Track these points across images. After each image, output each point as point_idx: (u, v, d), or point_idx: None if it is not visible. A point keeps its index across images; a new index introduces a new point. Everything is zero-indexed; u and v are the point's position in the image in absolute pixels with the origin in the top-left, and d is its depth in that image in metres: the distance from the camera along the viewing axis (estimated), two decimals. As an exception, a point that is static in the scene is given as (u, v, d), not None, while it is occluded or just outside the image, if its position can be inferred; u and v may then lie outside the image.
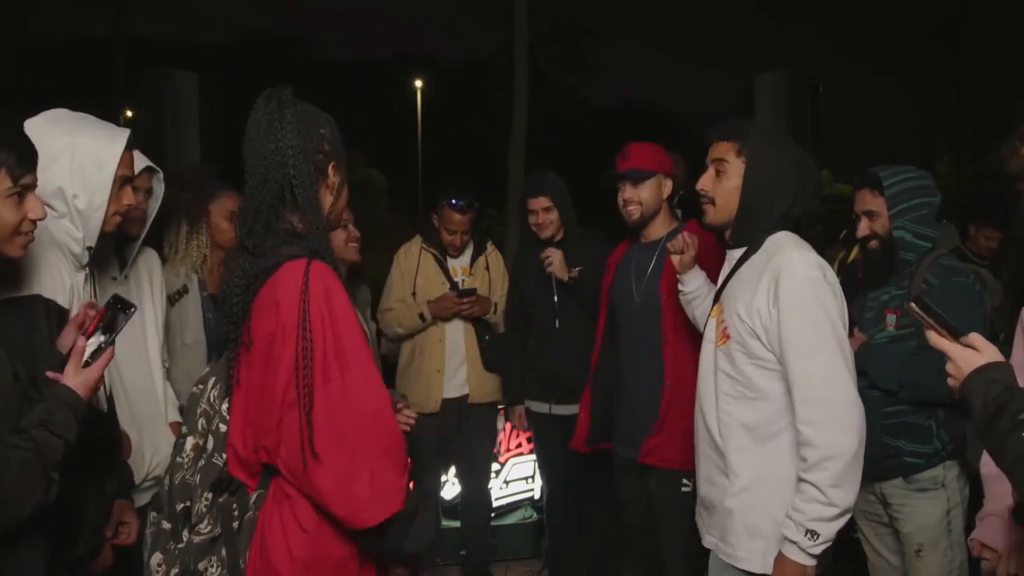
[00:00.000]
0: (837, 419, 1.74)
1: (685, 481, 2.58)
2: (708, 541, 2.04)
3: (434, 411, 3.45)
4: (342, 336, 1.44)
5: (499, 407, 3.74)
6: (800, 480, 1.78)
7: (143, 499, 2.20)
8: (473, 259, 3.61)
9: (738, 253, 2.00)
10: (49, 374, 1.49)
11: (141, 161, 2.24)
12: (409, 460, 1.51)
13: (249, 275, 1.52)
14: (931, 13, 25.45)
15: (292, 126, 1.53)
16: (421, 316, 3.42)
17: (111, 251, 2.24)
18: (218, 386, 1.62)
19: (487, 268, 3.60)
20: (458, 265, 3.58)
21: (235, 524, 1.53)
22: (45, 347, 1.59)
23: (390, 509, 1.44)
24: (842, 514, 1.75)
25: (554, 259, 3.20)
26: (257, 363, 1.49)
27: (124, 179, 1.95)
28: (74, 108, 1.98)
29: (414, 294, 3.48)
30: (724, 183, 1.97)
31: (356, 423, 1.42)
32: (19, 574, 1.45)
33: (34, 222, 1.54)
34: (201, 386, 1.65)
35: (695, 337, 2.36)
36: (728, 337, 1.92)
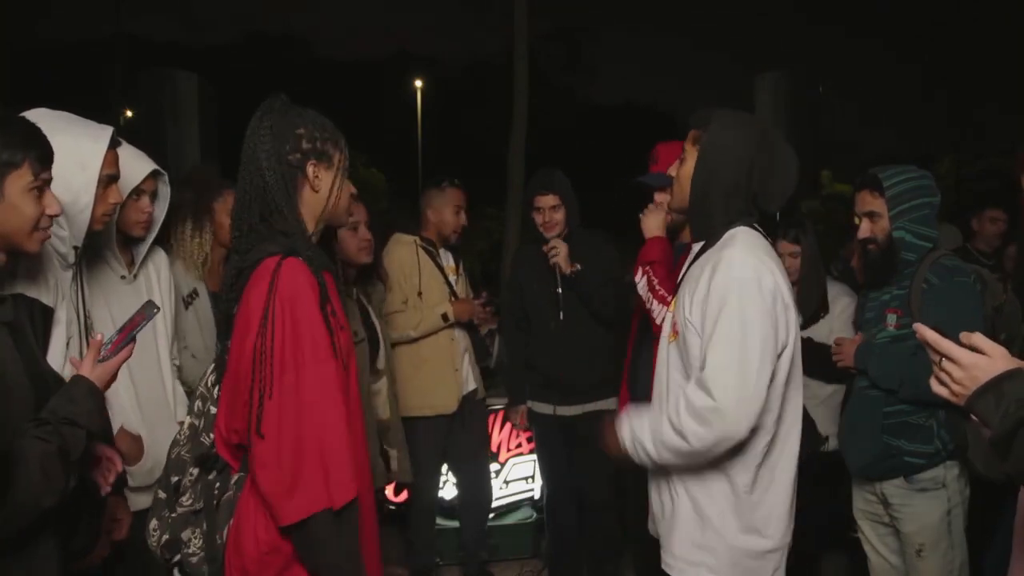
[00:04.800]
0: (722, 408, 1.66)
1: None
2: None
3: (453, 411, 3.43)
4: (301, 334, 1.50)
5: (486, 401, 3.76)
6: (673, 416, 1.72)
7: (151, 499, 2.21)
8: (456, 258, 3.62)
9: (698, 247, 1.92)
10: (73, 360, 1.58)
11: (147, 165, 2.25)
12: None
13: (235, 271, 1.61)
14: (932, 13, 25.44)
15: (267, 131, 1.61)
16: (444, 317, 3.39)
17: (114, 251, 2.24)
18: (215, 372, 1.73)
19: (463, 271, 3.64)
20: (445, 264, 3.56)
21: (215, 502, 1.62)
22: (30, 345, 1.61)
23: (307, 509, 1.47)
24: (645, 452, 1.79)
25: (560, 250, 3.16)
26: (234, 352, 1.58)
27: (109, 178, 1.94)
28: (74, 107, 1.97)
29: (420, 294, 3.43)
30: (681, 168, 1.92)
31: (299, 419, 1.48)
32: (36, 566, 1.49)
33: (51, 218, 1.58)
34: (205, 371, 1.78)
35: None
36: (678, 333, 1.85)
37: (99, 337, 1.59)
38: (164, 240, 2.81)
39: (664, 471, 1.87)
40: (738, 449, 1.74)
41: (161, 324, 2.40)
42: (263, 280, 1.52)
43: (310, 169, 1.64)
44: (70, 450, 1.42)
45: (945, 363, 1.28)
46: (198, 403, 1.73)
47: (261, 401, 1.47)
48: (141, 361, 2.27)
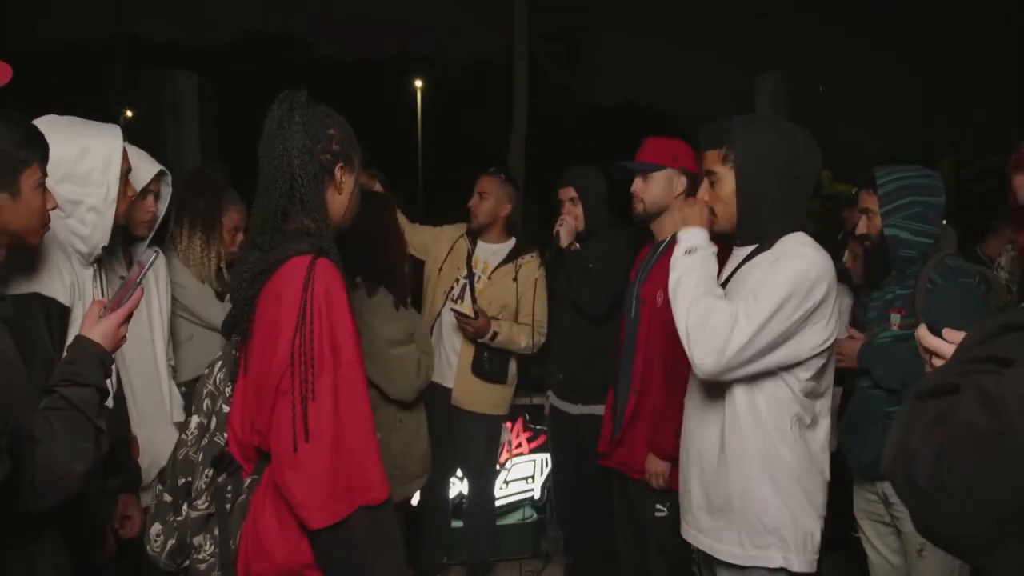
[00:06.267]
0: (720, 342, 1.77)
1: (659, 506, 2.58)
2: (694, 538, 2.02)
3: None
4: (337, 335, 1.48)
5: (502, 420, 3.67)
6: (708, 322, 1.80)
7: (150, 498, 2.21)
8: (503, 262, 3.47)
9: (746, 250, 1.95)
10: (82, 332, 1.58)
11: (153, 165, 2.29)
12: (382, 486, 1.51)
13: (257, 268, 1.56)
14: (932, 13, 25.44)
15: (299, 127, 1.56)
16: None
17: (118, 251, 2.26)
18: (224, 369, 1.68)
19: (515, 279, 3.42)
20: (483, 259, 3.49)
21: (228, 506, 1.58)
22: (43, 344, 1.61)
23: (346, 509, 1.45)
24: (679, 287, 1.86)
25: (567, 222, 3.12)
26: (257, 351, 1.54)
27: (127, 173, 2.01)
28: (74, 108, 2.03)
29: (440, 270, 3.46)
30: (719, 192, 1.93)
31: (336, 419, 1.45)
32: (44, 560, 1.50)
33: (49, 212, 1.65)
34: (209, 368, 1.73)
35: (668, 349, 2.32)
36: None
37: (103, 299, 1.61)
38: (164, 238, 2.82)
39: (723, 472, 1.91)
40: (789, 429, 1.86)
41: (158, 324, 2.41)
42: (295, 278, 1.48)
43: (338, 171, 1.62)
44: (84, 410, 1.43)
45: (935, 360, 1.28)
46: (207, 402, 1.69)
47: (305, 403, 1.43)
48: (137, 361, 2.28)
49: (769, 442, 1.86)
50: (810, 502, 1.87)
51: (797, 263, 1.80)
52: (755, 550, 1.85)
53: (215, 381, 1.69)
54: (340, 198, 1.64)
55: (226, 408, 1.64)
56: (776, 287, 1.78)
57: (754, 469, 1.86)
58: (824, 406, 1.94)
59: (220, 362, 1.71)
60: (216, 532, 1.60)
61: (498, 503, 3.92)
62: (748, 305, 1.78)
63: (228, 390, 1.65)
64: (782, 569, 1.84)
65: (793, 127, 1.94)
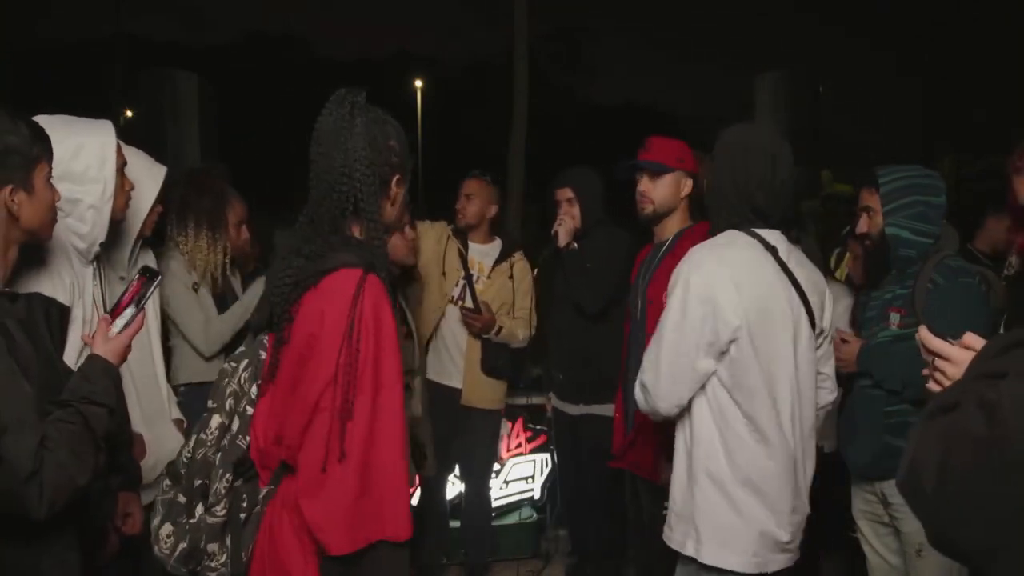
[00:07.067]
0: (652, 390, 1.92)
1: (666, 504, 2.58)
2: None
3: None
4: (382, 356, 1.43)
5: (502, 415, 3.69)
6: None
7: (152, 495, 2.21)
8: (497, 262, 3.56)
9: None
10: (84, 336, 1.66)
11: (160, 170, 2.31)
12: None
13: (301, 276, 1.50)
14: (932, 13, 25.42)
15: (361, 137, 1.50)
16: None
17: (118, 248, 2.26)
18: (249, 369, 1.62)
19: (511, 277, 3.53)
20: (478, 260, 3.54)
21: (242, 515, 1.55)
22: (44, 344, 1.62)
23: (367, 538, 1.39)
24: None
25: (565, 223, 3.17)
26: (291, 361, 1.49)
27: (123, 167, 2.02)
28: (74, 108, 2.05)
29: (444, 274, 3.47)
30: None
31: (370, 443, 1.40)
32: (50, 558, 1.53)
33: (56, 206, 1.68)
34: (234, 364, 1.66)
35: None
36: None
37: (106, 316, 1.64)
38: (162, 237, 2.82)
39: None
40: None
41: (153, 322, 2.41)
42: (343, 292, 1.42)
43: (394, 184, 1.58)
44: (94, 428, 1.47)
45: (938, 361, 1.27)
46: (230, 401, 1.62)
47: (343, 422, 1.38)
48: (140, 365, 2.29)
49: (686, 430, 1.96)
50: (726, 499, 1.89)
51: (680, 280, 1.90)
52: (679, 536, 1.96)
53: (240, 380, 1.63)
54: (391, 210, 1.60)
55: (250, 409, 1.59)
56: (664, 317, 1.91)
57: (677, 457, 2.00)
58: (761, 412, 1.89)
59: (246, 360, 1.65)
60: (228, 541, 1.55)
61: (498, 503, 3.93)
62: (648, 349, 1.96)
63: (253, 390, 1.61)
64: (693, 560, 1.91)
65: (753, 125, 2.11)
